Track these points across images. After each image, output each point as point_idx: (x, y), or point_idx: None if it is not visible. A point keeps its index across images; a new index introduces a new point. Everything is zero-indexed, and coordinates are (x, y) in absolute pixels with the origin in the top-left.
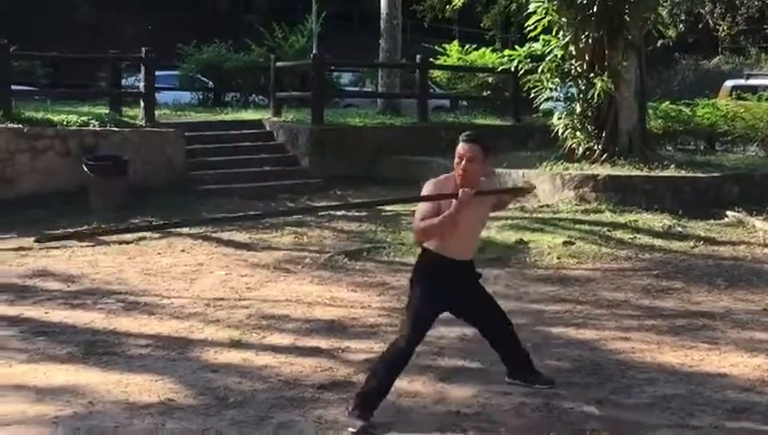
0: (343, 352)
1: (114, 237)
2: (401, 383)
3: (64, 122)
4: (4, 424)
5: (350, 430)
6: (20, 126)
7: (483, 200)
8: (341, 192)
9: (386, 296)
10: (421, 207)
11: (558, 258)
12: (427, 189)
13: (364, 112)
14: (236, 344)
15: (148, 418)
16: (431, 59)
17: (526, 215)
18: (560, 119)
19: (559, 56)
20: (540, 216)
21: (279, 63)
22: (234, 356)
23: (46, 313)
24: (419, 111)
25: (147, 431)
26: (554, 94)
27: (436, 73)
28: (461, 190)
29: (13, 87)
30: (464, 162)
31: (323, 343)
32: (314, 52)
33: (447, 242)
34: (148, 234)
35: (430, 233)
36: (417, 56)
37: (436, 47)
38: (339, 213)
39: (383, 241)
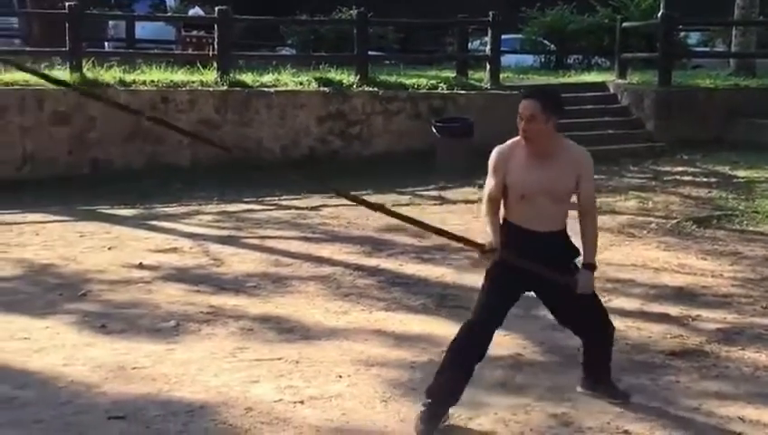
0: (694, 320)
1: (460, 197)
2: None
3: (415, 86)
4: (370, 365)
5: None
6: (375, 89)
7: (561, 168)
8: (688, 157)
9: (739, 266)
10: (487, 179)
11: None
12: (491, 158)
13: (715, 73)
14: None
15: (498, 370)
16: None
17: None
18: None
19: None
20: None
21: (625, 24)
22: None
23: (400, 265)
24: None
25: (498, 383)
26: None
27: None
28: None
29: (369, 53)
30: (523, 122)
31: (672, 310)
32: (662, 10)
33: (519, 211)
34: None
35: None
36: None
37: None
38: (686, 178)
39: (735, 208)
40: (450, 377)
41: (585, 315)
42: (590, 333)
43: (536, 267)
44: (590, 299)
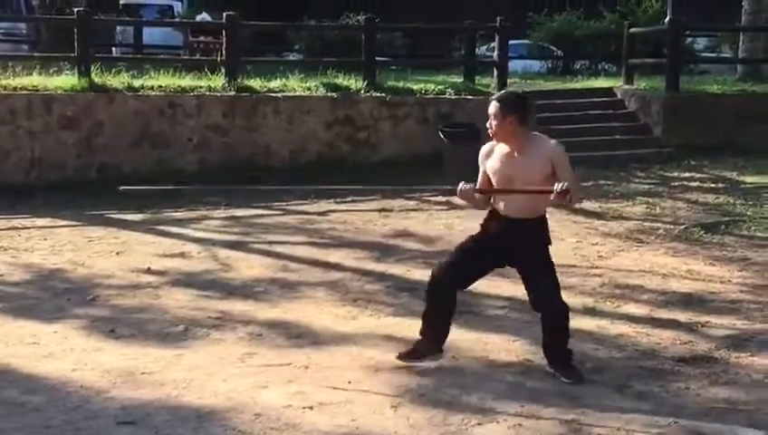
0: (703, 326)
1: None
2: None
3: (422, 91)
4: (379, 370)
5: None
6: (383, 95)
7: (530, 159)
8: (696, 162)
9: (748, 272)
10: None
11: None
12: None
13: (722, 79)
14: (590, 312)
15: (508, 376)
16: None
17: None
18: None
19: None
20: None
21: (632, 29)
22: (588, 323)
23: (408, 270)
24: None
25: (508, 389)
26: None
27: None
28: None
29: (376, 58)
30: (489, 120)
31: (681, 316)
32: (669, 16)
33: (496, 199)
34: None
35: None
36: None
37: None
38: (694, 184)
39: (743, 214)
40: (433, 322)
41: (542, 292)
42: (549, 311)
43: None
44: (548, 278)
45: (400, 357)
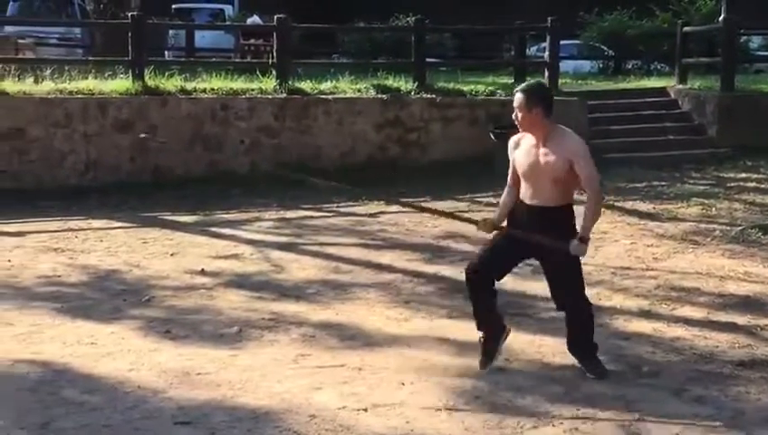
0: (762, 329)
1: None
2: None
3: (473, 92)
4: (432, 373)
5: None
6: (433, 96)
7: (551, 152)
8: (752, 163)
9: None
10: None
11: None
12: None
13: None
14: (646, 314)
15: (562, 379)
16: None
17: None
18: None
19: None
20: None
21: (686, 28)
22: (644, 326)
23: (460, 272)
24: None
25: (563, 393)
26: None
27: None
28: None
29: (426, 59)
30: (515, 112)
31: (739, 319)
32: (723, 14)
33: (522, 188)
34: None
35: None
36: None
37: None
38: (750, 184)
39: None
40: (479, 316)
41: (564, 291)
42: (569, 309)
43: (526, 235)
44: (571, 278)
45: (482, 366)
